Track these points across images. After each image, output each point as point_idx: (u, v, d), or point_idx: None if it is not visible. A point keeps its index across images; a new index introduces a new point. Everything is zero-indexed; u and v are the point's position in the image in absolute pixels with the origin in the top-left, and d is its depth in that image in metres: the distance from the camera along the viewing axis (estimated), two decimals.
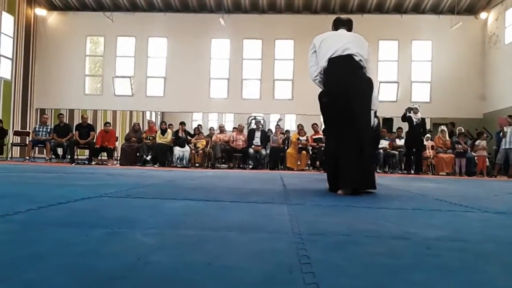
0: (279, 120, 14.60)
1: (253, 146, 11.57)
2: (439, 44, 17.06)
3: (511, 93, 15.11)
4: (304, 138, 11.85)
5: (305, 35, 16.79)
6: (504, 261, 1.22)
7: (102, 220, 1.73)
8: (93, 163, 11.38)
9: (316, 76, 3.68)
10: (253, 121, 13.75)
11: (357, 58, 3.53)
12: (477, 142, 11.34)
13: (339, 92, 3.46)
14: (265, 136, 12.00)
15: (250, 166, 11.68)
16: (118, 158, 12.38)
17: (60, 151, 11.86)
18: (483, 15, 16.98)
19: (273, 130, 13.10)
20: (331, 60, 3.55)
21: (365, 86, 3.53)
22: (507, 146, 10.47)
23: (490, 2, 16.64)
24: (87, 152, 12.21)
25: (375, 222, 1.91)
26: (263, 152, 11.69)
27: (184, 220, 1.80)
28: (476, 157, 11.32)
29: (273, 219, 1.91)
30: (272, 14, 17.13)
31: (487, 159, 11.56)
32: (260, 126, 12.45)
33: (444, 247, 1.37)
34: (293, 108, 16.62)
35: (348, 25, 3.96)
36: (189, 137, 12.06)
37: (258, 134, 11.83)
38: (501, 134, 10.80)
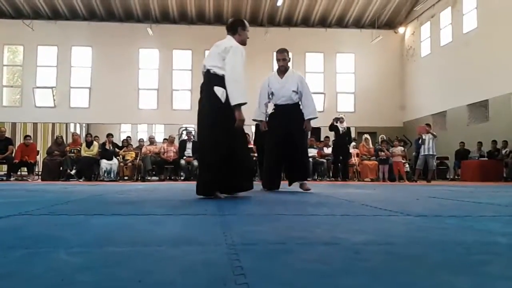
0: None
1: (184, 158, 11.43)
2: (361, 57, 17.95)
3: (428, 102, 16.21)
4: None
5: None
6: (428, 262, 1.28)
7: (22, 240, 1.61)
8: (12, 179, 10.66)
9: None
10: (184, 132, 13.59)
11: (211, 71, 3.72)
12: (391, 149, 11.98)
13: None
14: (197, 147, 11.88)
15: (182, 178, 11.52)
16: (40, 173, 11.70)
17: None
18: (401, 29, 18.12)
19: None
20: None
21: (208, 101, 3.74)
22: (426, 153, 11.16)
23: (407, 17, 17.80)
24: (5, 167, 11.43)
25: (305, 229, 1.95)
26: (195, 163, 11.55)
27: (112, 236, 1.73)
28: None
29: (206, 231, 1.89)
30: (201, 25, 17.13)
31: (407, 165, 12.27)
32: (192, 137, 12.32)
33: (372, 251, 1.43)
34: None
35: (230, 30, 4.01)
36: (117, 150, 11.66)
37: (189, 145, 11.70)
38: (420, 141, 11.50)
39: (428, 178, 11.25)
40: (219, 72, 3.67)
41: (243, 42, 3.97)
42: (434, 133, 11.32)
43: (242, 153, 3.81)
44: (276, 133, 5.14)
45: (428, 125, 11.69)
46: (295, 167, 5.25)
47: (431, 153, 11.16)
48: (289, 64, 5.29)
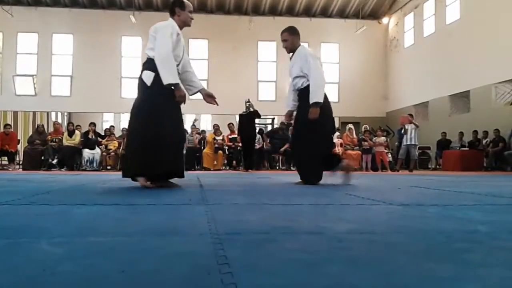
0: (195, 120, 14.52)
1: None
2: (345, 47, 17.98)
3: (411, 93, 16.37)
4: (220, 137, 11.89)
5: (219, 35, 16.88)
6: (410, 250, 1.30)
7: (3, 230, 1.59)
8: None
9: None
10: None
11: (147, 55, 3.70)
12: (374, 139, 12.11)
13: None
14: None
15: None
16: (21, 162, 11.53)
17: None
18: (385, 20, 18.18)
19: (189, 130, 12.97)
20: None
21: (138, 86, 3.71)
22: (408, 143, 11.31)
23: (391, 8, 17.86)
24: None
25: (290, 218, 1.96)
26: None
27: (94, 226, 1.71)
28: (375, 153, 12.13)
29: (190, 220, 1.88)
30: None
31: (389, 155, 12.40)
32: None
33: (355, 240, 1.44)
34: (209, 108, 16.51)
35: (170, 11, 3.93)
36: (99, 139, 11.54)
37: None
38: (402, 131, 11.63)
39: (410, 168, 11.40)
40: (151, 54, 3.63)
41: (184, 23, 3.87)
42: (417, 123, 11.45)
43: (172, 135, 3.66)
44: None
45: (410, 115, 11.82)
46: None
47: (413, 143, 11.30)
48: (299, 42, 4.55)
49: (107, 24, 16.61)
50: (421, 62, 15.77)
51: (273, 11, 17.52)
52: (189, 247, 1.30)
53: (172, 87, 3.58)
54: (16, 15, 16.09)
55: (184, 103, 3.70)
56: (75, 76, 16.75)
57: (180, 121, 3.85)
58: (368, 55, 17.98)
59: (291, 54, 4.58)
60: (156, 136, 3.54)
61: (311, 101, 4.19)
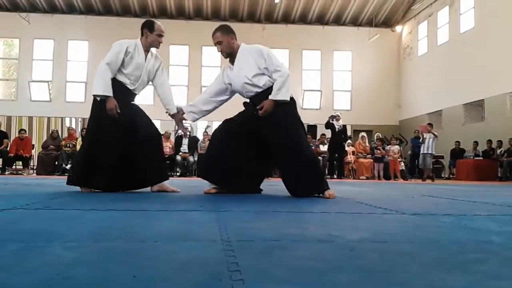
0: (207, 127, 14.57)
1: (180, 153, 11.44)
2: (358, 55, 17.95)
3: (424, 101, 16.26)
4: None
5: None
6: (422, 260, 1.29)
7: (16, 234, 1.61)
8: (7, 172, 10.63)
9: None
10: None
11: None
12: (387, 147, 12.06)
13: None
14: (193, 143, 11.92)
15: (178, 174, 11.52)
16: (35, 167, 11.67)
17: None
18: (398, 28, 18.13)
19: (201, 137, 13.03)
20: None
21: None
22: (425, 151, 11.22)
23: (405, 16, 17.80)
24: (0, 161, 11.39)
25: (301, 226, 1.95)
26: (191, 159, 11.57)
27: (107, 231, 1.72)
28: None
29: (202, 227, 1.89)
30: (198, 21, 17.09)
31: (402, 163, 12.32)
32: (188, 133, 12.34)
33: (367, 249, 1.43)
34: (221, 114, 16.59)
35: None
36: None
37: (185, 141, 11.73)
38: (420, 140, 11.56)
39: (424, 177, 11.29)
40: None
41: (151, 45, 3.90)
42: (436, 133, 11.35)
43: (106, 151, 3.68)
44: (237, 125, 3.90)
45: (430, 124, 11.73)
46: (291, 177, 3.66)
47: (429, 152, 11.21)
48: (238, 42, 3.77)
49: (121, 32, 16.79)
50: (435, 71, 15.67)
51: (286, 19, 17.57)
52: (201, 253, 1.30)
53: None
54: (32, 22, 16.36)
55: (117, 116, 3.61)
56: (90, 82, 16.92)
57: (119, 139, 3.71)
58: (381, 63, 17.92)
59: (228, 59, 3.81)
60: (94, 150, 3.69)
61: (279, 97, 3.43)
